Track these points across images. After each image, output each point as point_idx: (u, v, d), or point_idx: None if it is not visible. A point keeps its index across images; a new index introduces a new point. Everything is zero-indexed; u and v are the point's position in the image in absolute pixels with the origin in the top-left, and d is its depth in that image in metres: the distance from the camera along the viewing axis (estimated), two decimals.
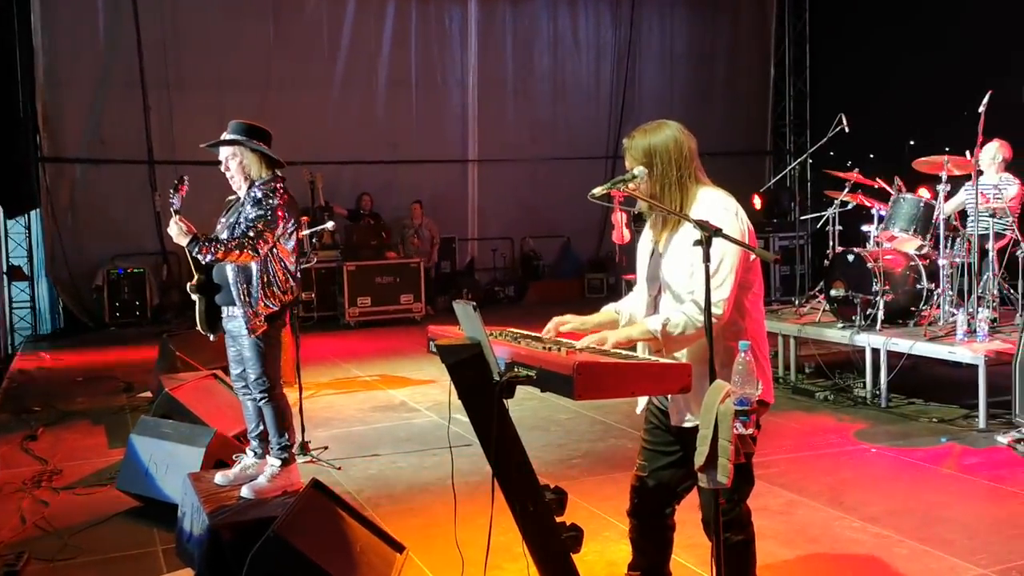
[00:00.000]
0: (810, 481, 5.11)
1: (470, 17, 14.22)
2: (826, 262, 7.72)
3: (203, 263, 4.23)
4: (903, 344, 6.62)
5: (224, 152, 4.32)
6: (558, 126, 14.93)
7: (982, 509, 4.63)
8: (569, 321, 2.94)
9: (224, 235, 4.25)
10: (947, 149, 7.11)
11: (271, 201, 4.22)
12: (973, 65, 10.76)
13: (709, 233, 2.58)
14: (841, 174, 8.07)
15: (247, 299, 4.21)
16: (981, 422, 6.08)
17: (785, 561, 4.03)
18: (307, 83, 13.17)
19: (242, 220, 4.21)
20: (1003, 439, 5.71)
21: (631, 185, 2.91)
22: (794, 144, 15.54)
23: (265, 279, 4.25)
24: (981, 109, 6.72)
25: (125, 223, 12.36)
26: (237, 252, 4.11)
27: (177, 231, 4.09)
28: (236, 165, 4.29)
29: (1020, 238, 7.22)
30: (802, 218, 12.00)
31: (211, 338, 4.53)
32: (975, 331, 6.44)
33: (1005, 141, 7.57)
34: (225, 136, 4.32)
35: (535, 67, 14.81)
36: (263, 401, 4.31)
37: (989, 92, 6.69)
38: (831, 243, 8.21)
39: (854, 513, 4.58)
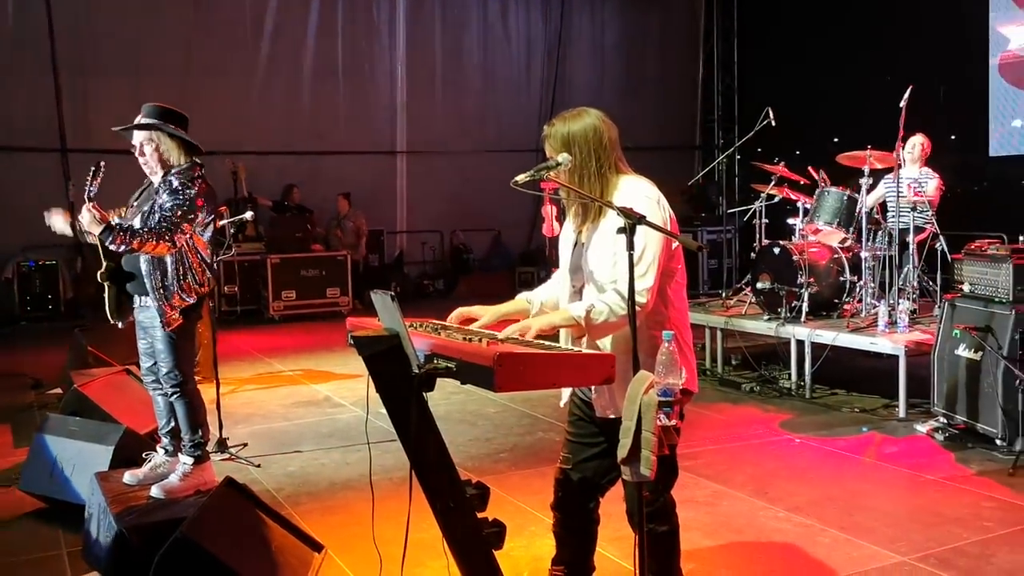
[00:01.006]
0: (735, 472, 5.12)
1: (398, 6, 14.02)
2: (753, 255, 7.78)
3: (116, 252, 4.04)
4: (827, 335, 6.70)
5: (139, 137, 4.12)
6: (488, 118, 14.83)
7: (902, 497, 4.69)
8: (480, 315, 2.85)
9: (136, 222, 4.06)
10: (869, 146, 7.22)
11: (189, 191, 4.05)
12: (896, 64, 11.00)
13: (633, 221, 2.52)
14: (768, 167, 8.14)
15: (162, 292, 4.04)
16: (901, 411, 6.18)
17: (710, 552, 4.02)
18: (229, 70, 12.81)
19: (157, 209, 4.03)
20: (922, 428, 5.81)
21: (552, 173, 2.83)
22: (722, 139, 15.70)
23: (181, 271, 4.09)
24: (902, 104, 6.83)
25: (37, 213, 11.80)
26: (153, 243, 3.94)
27: (90, 219, 3.89)
28: (152, 151, 4.10)
29: (939, 231, 7.37)
30: (729, 211, 12.13)
31: (119, 325, 4.34)
32: (896, 322, 6.55)
33: (926, 136, 7.72)
34: (140, 120, 4.13)
35: (464, 58, 14.69)
36: (175, 396, 4.14)
37: (910, 87, 6.80)
38: (758, 236, 8.28)
39: (778, 503, 4.59)
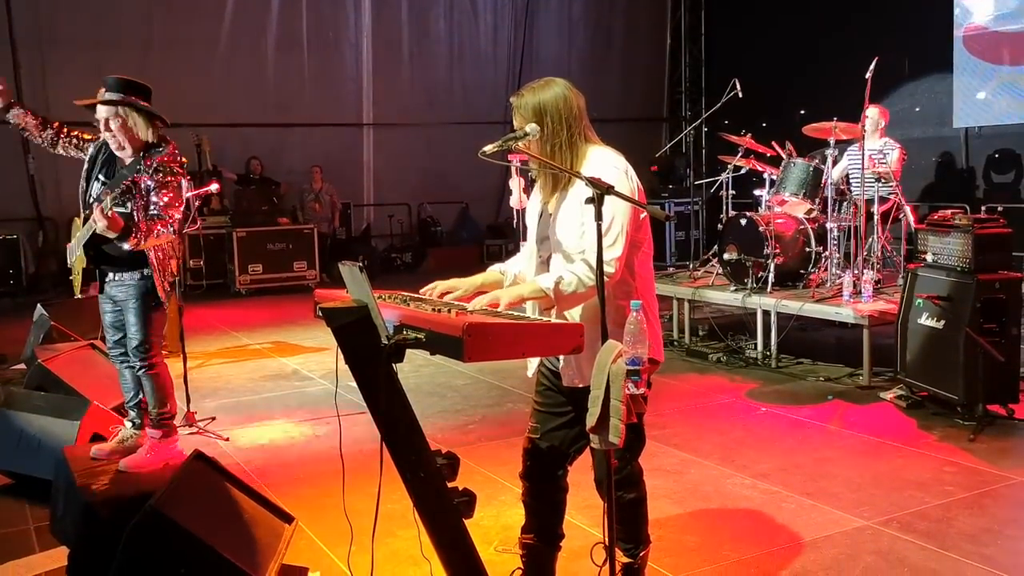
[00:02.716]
0: (702, 440, 5.18)
1: None
2: (719, 226, 7.83)
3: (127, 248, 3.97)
4: (792, 306, 6.77)
5: (104, 112, 4.01)
6: (455, 90, 14.75)
7: (866, 463, 4.77)
8: (457, 287, 2.85)
9: (108, 202, 3.98)
10: (835, 118, 7.26)
11: (178, 178, 4.05)
12: (862, 36, 11.05)
13: (601, 191, 2.52)
14: (734, 138, 8.18)
15: (160, 270, 4.04)
16: (865, 380, 6.27)
17: (678, 519, 4.07)
18: (191, 41, 12.62)
19: (151, 201, 3.97)
20: (886, 396, 5.90)
21: (522, 144, 2.82)
22: (690, 111, 15.73)
23: (170, 248, 4.12)
24: (868, 75, 6.88)
25: None
26: (156, 236, 3.93)
27: (104, 226, 3.75)
28: (119, 126, 3.99)
29: (903, 202, 7.45)
30: (696, 183, 12.17)
31: (79, 297, 4.31)
32: (860, 292, 6.63)
33: (882, 107, 7.79)
34: (105, 94, 4.04)
35: (431, 29, 14.57)
36: (142, 370, 4.11)
37: (875, 59, 6.84)
38: (724, 207, 8.32)
39: (744, 471, 4.66)
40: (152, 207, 3.97)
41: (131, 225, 3.87)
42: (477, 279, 2.95)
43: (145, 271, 4.04)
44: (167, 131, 4.19)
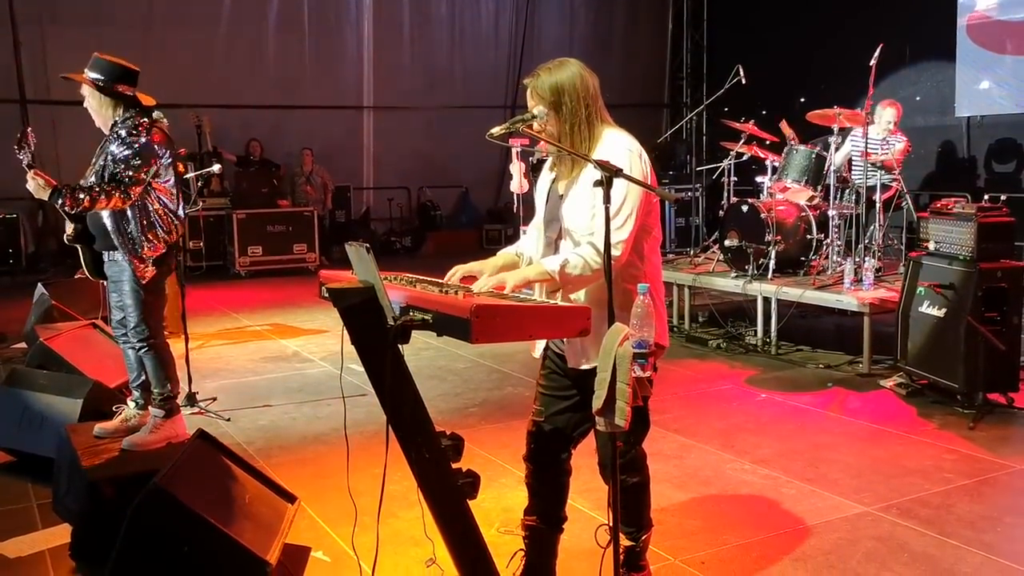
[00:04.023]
0: (703, 426, 5.19)
1: None
2: (721, 213, 7.82)
3: (72, 214, 3.99)
4: (793, 293, 6.78)
5: (83, 89, 4.07)
6: (456, 74, 14.71)
7: (865, 450, 4.78)
8: (482, 271, 2.83)
9: (91, 179, 3.99)
10: (836, 106, 7.24)
11: (138, 140, 3.98)
12: (863, 23, 11.01)
13: (610, 173, 2.51)
14: (736, 125, 8.16)
15: (130, 245, 3.99)
16: (865, 367, 6.28)
17: (679, 503, 4.08)
18: (192, 20, 12.57)
19: (109, 163, 3.96)
20: (886, 383, 5.91)
21: (536, 125, 2.81)
22: (690, 97, 15.69)
23: (145, 222, 4.04)
24: (872, 62, 6.86)
25: None
26: (106, 199, 3.88)
27: (35, 186, 3.86)
28: (88, 104, 4.07)
29: (905, 189, 7.45)
30: (698, 169, 12.15)
31: (104, 283, 4.34)
32: (861, 280, 6.64)
33: (898, 104, 7.77)
34: (85, 72, 4.05)
35: (432, 12, 14.52)
36: (143, 351, 4.12)
37: (880, 46, 6.83)
38: (726, 194, 8.32)
39: (745, 456, 4.67)
40: (113, 167, 3.94)
41: (60, 186, 3.85)
42: (497, 262, 2.94)
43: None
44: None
